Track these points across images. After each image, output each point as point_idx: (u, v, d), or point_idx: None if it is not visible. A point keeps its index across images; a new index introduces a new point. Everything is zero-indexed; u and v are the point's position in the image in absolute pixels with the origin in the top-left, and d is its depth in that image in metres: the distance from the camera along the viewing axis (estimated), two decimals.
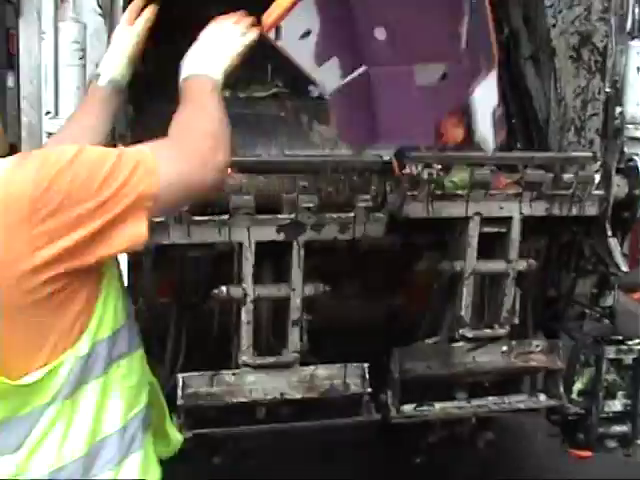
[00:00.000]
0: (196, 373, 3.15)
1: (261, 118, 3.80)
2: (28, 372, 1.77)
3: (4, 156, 1.94)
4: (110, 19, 3.06)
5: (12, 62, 3.39)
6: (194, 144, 1.90)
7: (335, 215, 3.10)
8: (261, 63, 3.92)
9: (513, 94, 4.00)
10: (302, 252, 3.09)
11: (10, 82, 3.44)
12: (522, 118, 3.96)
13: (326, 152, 3.72)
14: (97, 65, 3.09)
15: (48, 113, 3.16)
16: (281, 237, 3.07)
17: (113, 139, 3.06)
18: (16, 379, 1.77)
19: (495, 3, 4.05)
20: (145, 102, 3.46)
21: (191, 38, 3.73)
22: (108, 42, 3.07)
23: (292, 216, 3.04)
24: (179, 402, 3.12)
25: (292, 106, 3.85)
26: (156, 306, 3.19)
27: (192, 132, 1.95)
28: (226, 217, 3.00)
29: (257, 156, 3.40)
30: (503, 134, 3.21)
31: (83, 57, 3.02)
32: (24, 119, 3.28)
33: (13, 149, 3.36)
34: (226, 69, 2.24)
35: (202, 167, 1.86)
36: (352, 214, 3.09)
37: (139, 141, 3.26)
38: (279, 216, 3.06)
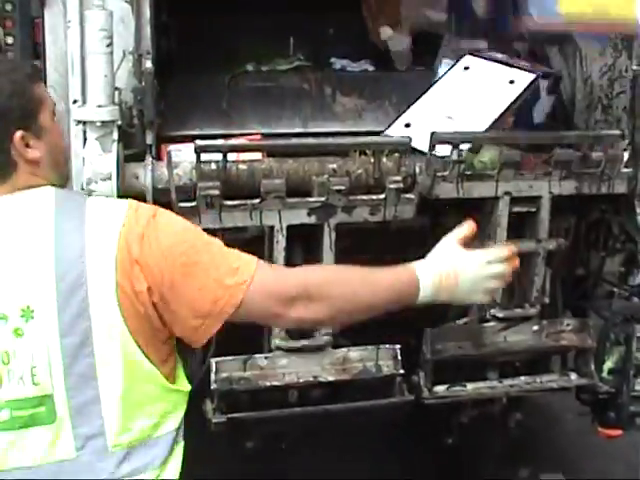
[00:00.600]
0: (229, 357, 3.16)
1: (284, 91, 3.81)
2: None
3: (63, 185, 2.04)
4: (137, 5, 3.06)
5: (38, 51, 3.39)
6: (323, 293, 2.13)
7: (366, 197, 3.10)
8: (283, 37, 3.95)
9: None
10: (333, 234, 3.09)
11: None
12: None
13: (349, 123, 3.74)
14: (124, 52, 3.12)
15: (75, 102, 3.16)
16: (312, 220, 3.07)
17: (142, 125, 3.08)
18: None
19: None
20: (168, 76, 3.45)
21: (213, 14, 3.78)
22: (135, 29, 3.10)
23: (323, 199, 3.04)
24: (213, 386, 3.13)
25: (315, 78, 3.86)
26: None
27: (333, 287, 2.16)
28: (257, 201, 3.00)
29: (286, 139, 3.38)
30: None
31: (110, 44, 3.01)
32: None
33: None
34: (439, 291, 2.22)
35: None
36: (383, 196, 3.08)
37: (164, 118, 3.30)
38: (310, 199, 3.05)
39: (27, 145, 1.99)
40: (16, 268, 1.90)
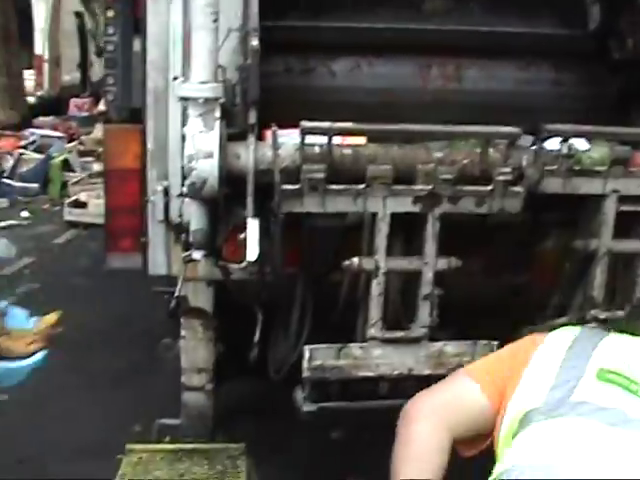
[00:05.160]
0: (323, 345, 3.09)
1: None
2: None
3: None
4: None
5: (139, 26, 3.35)
6: None
7: (472, 188, 3.01)
8: None
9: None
10: (437, 225, 3.01)
11: (136, 46, 3.40)
12: None
13: (436, 21, 3.73)
14: (229, 29, 3.04)
15: (176, 78, 3.10)
16: (417, 209, 2.98)
17: (245, 104, 3.00)
18: None
19: None
20: None
21: None
22: (243, 5, 3.03)
23: (430, 187, 2.96)
24: (305, 374, 3.07)
25: None
26: (283, 276, 3.14)
27: None
28: (362, 187, 2.92)
29: (392, 124, 3.28)
30: None
31: (216, 20, 2.93)
32: (150, 84, 3.24)
33: (137, 114, 3.34)
34: None
35: None
36: (490, 187, 2.99)
37: None
38: (416, 187, 2.97)
39: None
40: None
